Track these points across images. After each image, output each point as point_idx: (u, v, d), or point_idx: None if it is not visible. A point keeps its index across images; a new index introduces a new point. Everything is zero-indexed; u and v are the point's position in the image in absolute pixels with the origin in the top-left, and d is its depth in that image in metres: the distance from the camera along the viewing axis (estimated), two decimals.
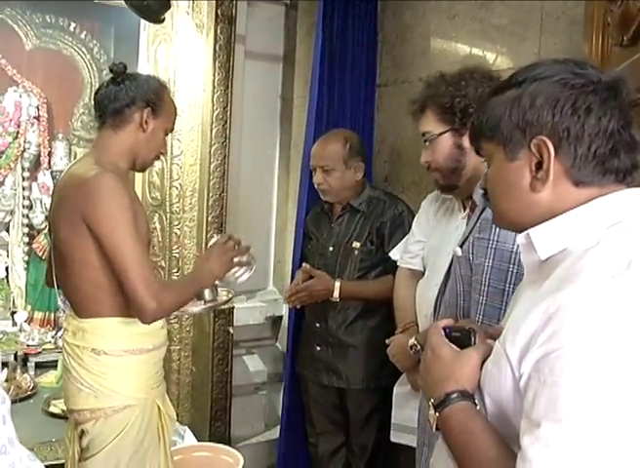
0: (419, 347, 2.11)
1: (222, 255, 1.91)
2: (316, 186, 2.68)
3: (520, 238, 1.04)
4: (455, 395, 1.02)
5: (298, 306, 2.73)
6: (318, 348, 2.71)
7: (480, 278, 1.56)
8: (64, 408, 2.69)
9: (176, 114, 2.02)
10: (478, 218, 1.64)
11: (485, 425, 0.98)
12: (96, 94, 1.93)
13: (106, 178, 1.73)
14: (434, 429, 1.04)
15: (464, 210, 2.03)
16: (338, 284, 2.56)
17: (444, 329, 1.14)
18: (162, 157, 2.11)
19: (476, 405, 1.02)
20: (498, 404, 0.97)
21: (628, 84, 0.97)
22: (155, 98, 1.90)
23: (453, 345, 1.10)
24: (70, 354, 1.84)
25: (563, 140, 0.94)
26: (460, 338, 1.11)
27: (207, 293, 2.10)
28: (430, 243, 2.25)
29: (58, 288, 1.94)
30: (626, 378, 0.80)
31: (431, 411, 1.05)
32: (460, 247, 1.66)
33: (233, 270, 2.00)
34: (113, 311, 1.82)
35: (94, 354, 1.80)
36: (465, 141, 1.81)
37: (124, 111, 1.87)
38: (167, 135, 2.00)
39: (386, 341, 2.32)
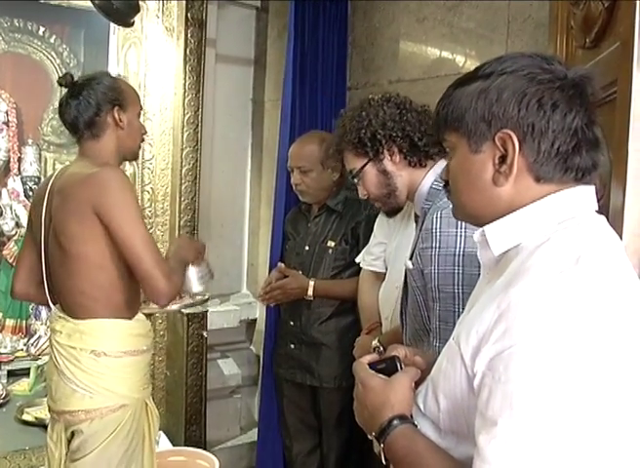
0: (381, 349, 2.15)
1: (191, 245, 2.12)
2: (294, 187, 2.70)
3: (476, 235, 1.04)
4: (394, 422, 1.02)
5: (272, 305, 2.77)
6: (292, 346, 2.74)
7: (431, 285, 1.59)
8: (38, 415, 2.70)
9: (137, 94, 2.06)
10: (420, 229, 1.67)
11: (428, 444, 0.99)
12: (60, 114, 1.96)
13: (116, 171, 1.84)
14: (384, 461, 1.03)
15: None
16: (312, 282, 2.59)
17: (369, 364, 1.14)
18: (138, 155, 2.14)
19: (415, 426, 1.02)
20: (452, 401, 0.97)
21: (594, 82, 0.97)
22: (116, 94, 1.93)
23: (381, 375, 1.10)
24: (65, 356, 1.84)
25: (527, 135, 0.93)
26: (386, 368, 1.11)
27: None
28: (391, 245, 2.28)
29: (49, 290, 1.96)
30: (577, 373, 0.80)
31: (375, 445, 1.05)
32: (410, 259, 1.68)
33: (193, 277, 2.09)
34: (111, 312, 1.86)
35: (93, 355, 1.83)
36: (388, 165, 1.85)
37: (96, 120, 1.90)
38: (139, 116, 2.03)
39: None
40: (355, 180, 1.93)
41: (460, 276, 1.53)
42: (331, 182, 2.66)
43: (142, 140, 2.07)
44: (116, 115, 1.91)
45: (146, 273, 1.75)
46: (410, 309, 1.75)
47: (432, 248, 1.58)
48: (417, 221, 1.76)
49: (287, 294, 2.64)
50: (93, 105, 1.89)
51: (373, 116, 1.83)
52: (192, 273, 2.10)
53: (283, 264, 2.72)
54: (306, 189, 2.66)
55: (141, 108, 2.05)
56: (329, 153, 2.01)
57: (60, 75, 1.96)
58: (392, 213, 2.00)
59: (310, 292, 2.59)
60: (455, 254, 1.54)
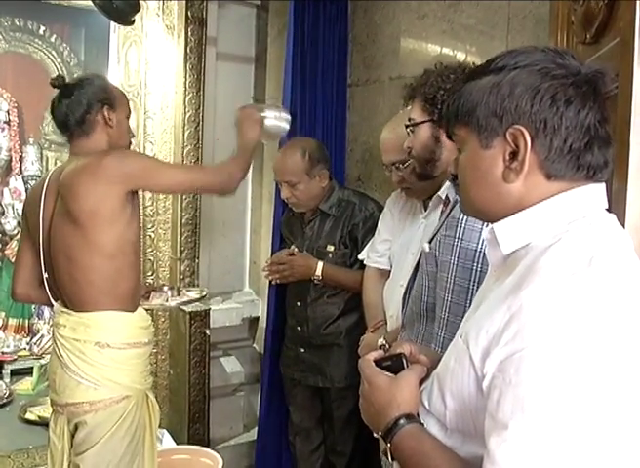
0: (388, 347, 2.13)
1: (249, 118, 2.22)
2: (285, 200, 2.69)
3: (485, 233, 1.03)
4: (400, 421, 1.01)
5: (277, 281, 2.74)
6: (302, 350, 2.73)
7: (446, 275, 1.57)
8: (41, 414, 2.71)
9: (127, 99, 2.11)
10: (447, 215, 1.66)
11: (435, 444, 0.98)
12: (52, 113, 1.99)
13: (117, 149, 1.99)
14: (390, 460, 1.03)
15: (425, 210, 2.06)
16: (321, 263, 2.58)
17: (374, 361, 1.13)
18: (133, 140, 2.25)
19: (422, 424, 1.01)
20: (459, 401, 0.96)
21: (607, 78, 0.95)
22: (107, 95, 1.99)
23: (387, 373, 1.09)
24: (69, 348, 1.87)
25: (540, 131, 0.92)
26: (392, 366, 1.10)
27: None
28: (396, 242, 2.27)
29: (49, 288, 1.99)
30: (590, 377, 0.79)
31: (382, 443, 1.04)
32: (430, 243, 1.67)
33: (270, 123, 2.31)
34: (116, 304, 1.89)
35: (97, 347, 1.86)
36: (443, 135, 1.82)
37: (86, 117, 1.95)
38: (128, 118, 2.09)
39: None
40: (407, 129, 1.90)
41: (478, 273, 1.52)
42: (320, 189, 2.64)
43: (130, 144, 2.13)
44: (106, 114, 1.96)
45: (200, 188, 2.22)
46: (414, 291, 1.74)
47: (455, 238, 1.56)
48: (445, 205, 1.74)
49: (293, 270, 2.62)
50: (83, 104, 1.94)
51: (458, 83, 1.81)
52: (268, 121, 2.30)
53: (294, 247, 2.69)
54: (297, 201, 2.65)
55: (130, 113, 2.10)
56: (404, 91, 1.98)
57: (54, 77, 1.99)
58: (422, 178, 1.96)
59: (319, 271, 2.56)
60: (476, 250, 1.53)
